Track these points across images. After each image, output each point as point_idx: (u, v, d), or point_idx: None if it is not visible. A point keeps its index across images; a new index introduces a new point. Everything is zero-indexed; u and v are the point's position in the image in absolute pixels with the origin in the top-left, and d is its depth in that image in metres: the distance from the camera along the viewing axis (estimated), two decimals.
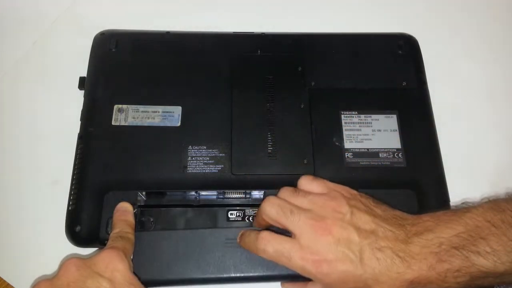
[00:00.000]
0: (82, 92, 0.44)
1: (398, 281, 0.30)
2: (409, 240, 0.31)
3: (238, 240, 0.36)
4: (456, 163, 0.43)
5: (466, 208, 0.32)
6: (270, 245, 0.32)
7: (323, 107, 0.43)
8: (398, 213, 0.34)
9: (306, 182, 0.36)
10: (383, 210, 0.34)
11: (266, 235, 0.33)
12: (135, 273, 0.32)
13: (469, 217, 0.31)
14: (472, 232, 0.30)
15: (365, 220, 0.32)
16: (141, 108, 0.42)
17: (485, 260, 0.29)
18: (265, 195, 0.39)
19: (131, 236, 0.35)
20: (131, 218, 0.37)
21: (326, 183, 0.35)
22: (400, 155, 0.41)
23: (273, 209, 0.33)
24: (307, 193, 0.35)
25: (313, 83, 0.44)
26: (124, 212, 0.37)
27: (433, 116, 0.43)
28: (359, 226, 0.32)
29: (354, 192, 0.35)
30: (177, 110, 0.42)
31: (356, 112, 0.43)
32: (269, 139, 0.41)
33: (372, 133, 0.42)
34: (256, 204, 0.39)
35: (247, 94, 0.43)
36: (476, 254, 0.29)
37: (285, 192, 0.35)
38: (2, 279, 0.39)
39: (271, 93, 0.43)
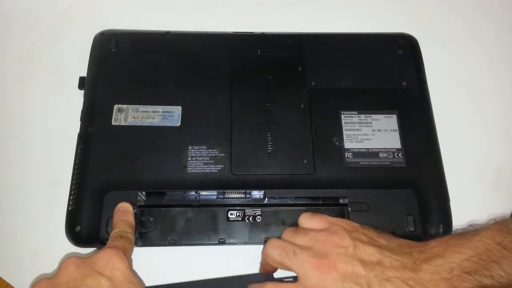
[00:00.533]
0: (82, 92, 0.44)
1: None
2: (418, 267, 0.30)
3: None
4: (456, 163, 0.43)
5: (474, 231, 0.32)
6: None
7: (323, 107, 0.43)
8: (403, 241, 0.33)
9: (306, 220, 0.35)
10: (387, 240, 0.33)
11: (270, 286, 0.32)
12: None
13: (478, 240, 0.30)
14: (482, 255, 0.30)
15: (369, 252, 0.32)
16: (141, 108, 0.42)
17: (500, 284, 0.29)
18: (265, 195, 0.39)
19: (131, 236, 0.35)
20: (131, 218, 0.37)
21: (326, 218, 0.35)
22: (400, 155, 0.41)
23: (275, 251, 0.33)
24: (308, 230, 0.34)
25: (313, 83, 0.44)
26: (124, 213, 0.37)
27: (433, 116, 0.43)
28: (363, 259, 0.31)
29: (355, 224, 0.34)
30: (177, 110, 0.42)
31: (356, 112, 0.43)
32: (269, 139, 0.41)
33: (372, 133, 0.42)
34: (256, 204, 0.39)
35: (247, 94, 0.43)
36: (489, 278, 0.29)
37: (287, 233, 0.35)
38: (2, 279, 0.39)
39: (271, 93, 0.43)
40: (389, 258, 0.31)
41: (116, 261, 0.31)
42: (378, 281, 0.30)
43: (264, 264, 0.35)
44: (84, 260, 0.31)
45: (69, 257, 0.31)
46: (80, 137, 0.41)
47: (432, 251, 0.31)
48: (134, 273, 0.32)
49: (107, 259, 0.31)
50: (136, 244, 0.37)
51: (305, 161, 0.41)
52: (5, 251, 0.40)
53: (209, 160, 0.40)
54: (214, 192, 0.39)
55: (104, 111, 0.42)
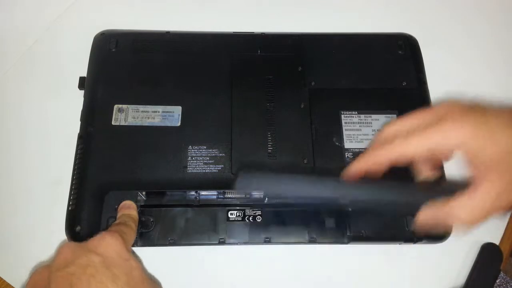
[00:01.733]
0: (82, 92, 0.44)
1: None
2: None
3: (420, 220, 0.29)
4: (456, 163, 0.43)
5: None
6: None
7: (323, 107, 0.43)
8: None
9: (399, 119, 0.31)
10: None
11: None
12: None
13: None
14: None
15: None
16: (141, 108, 0.42)
17: None
18: (265, 195, 0.39)
19: (132, 224, 0.36)
20: (134, 213, 0.37)
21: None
22: None
23: (395, 125, 0.29)
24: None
25: (313, 83, 0.44)
26: (128, 209, 0.38)
27: None
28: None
29: None
30: (177, 110, 0.42)
31: (356, 112, 0.43)
32: (269, 139, 0.41)
33: (372, 133, 0.42)
34: (256, 204, 0.39)
35: (247, 94, 0.43)
36: None
37: (391, 123, 0.30)
38: (2, 279, 0.39)
39: (271, 93, 0.43)
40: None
41: (110, 240, 0.31)
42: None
43: (378, 142, 0.30)
44: (78, 243, 0.31)
45: (65, 243, 0.31)
46: (80, 137, 0.41)
47: None
48: (130, 251, 0.32)
49: (100, 239, 0.31)
50: (136, 244, 0.37)
51: (305, 161, 0.41)
52: (5, 251, 0.40)
53: (209, 160, 0.40)
54: (214, 192, 0.39)
55: (104, 111, 0.42)
